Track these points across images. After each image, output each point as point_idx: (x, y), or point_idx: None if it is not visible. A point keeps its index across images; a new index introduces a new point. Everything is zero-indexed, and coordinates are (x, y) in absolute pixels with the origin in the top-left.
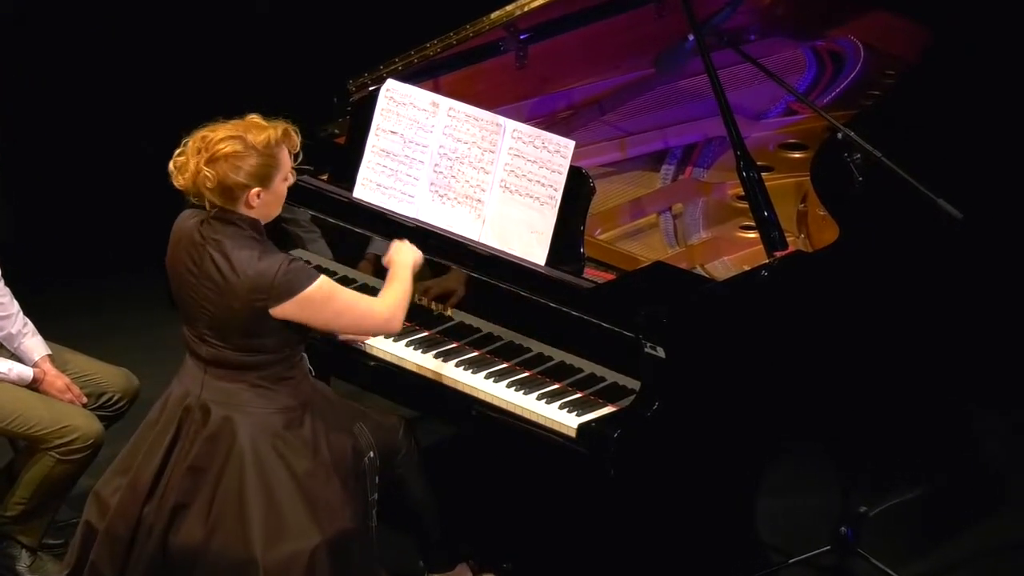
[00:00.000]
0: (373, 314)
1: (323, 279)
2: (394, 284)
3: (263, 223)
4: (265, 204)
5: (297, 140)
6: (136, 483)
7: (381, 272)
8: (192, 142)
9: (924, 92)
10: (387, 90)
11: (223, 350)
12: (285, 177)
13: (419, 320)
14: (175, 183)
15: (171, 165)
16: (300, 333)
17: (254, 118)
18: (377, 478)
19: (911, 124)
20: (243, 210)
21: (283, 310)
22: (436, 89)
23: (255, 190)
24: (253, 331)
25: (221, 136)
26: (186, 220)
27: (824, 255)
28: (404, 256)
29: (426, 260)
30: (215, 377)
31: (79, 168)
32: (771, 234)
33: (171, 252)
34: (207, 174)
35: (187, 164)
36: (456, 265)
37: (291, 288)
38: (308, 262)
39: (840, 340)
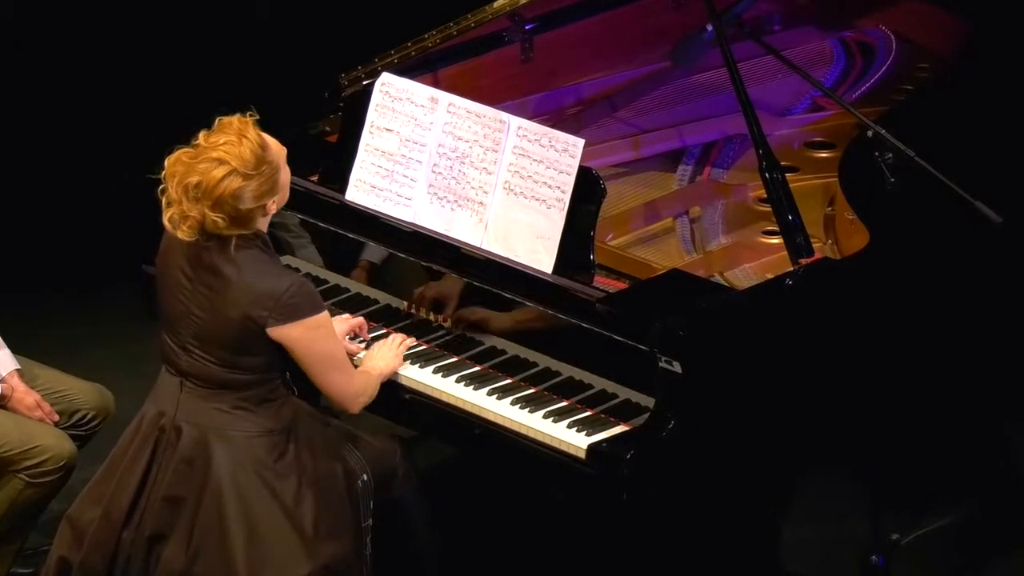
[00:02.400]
0: (351, 381)
1: (327, 312)
2: (365, 376)
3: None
4: (280, 204)
5: (256, 128)
6: (111, 512)
7: (375, 281)
8: (182, 190)
9: (961, 87)
10: (382, 84)
11: (206, 363)
12: (284, 165)
13: (416, 332)
14: (179, 235)
15: (166, 221)
16: (287, 358)
17: (222, 131)
18: (372, 503)
19: (947, 121)
20: (262, 222)
21: (281, 332)
22: (435, 83)
23: (270, 202)
24: (242, 346)
25: (215, 175)
26: None
27: (853, 262)
28: (382, 363)
29: (424, 267)
30: (192, 395)
31: (51, 174)
32: (796, 240)
33: (163, 252)
34: (216, 219)
35: (188, 215)
36: (456, 273)
37: (297, 311)
38: (298, 270)
39: (870, 354)
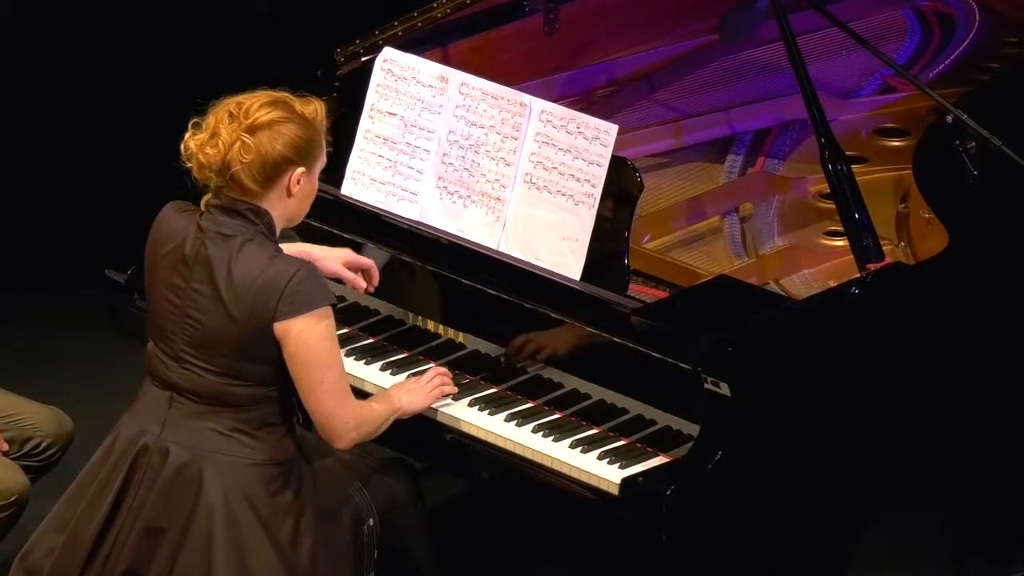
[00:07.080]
0: (345, 406)
1: (331, 309)
2: (368, 410)
3: (288, 226)
4: (303, 195)
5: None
6: (75, 541)
7: (375, 288)
8: (220, 110)
9: None
10: (384, 61)
11: (203, 374)
12: (322, 165)
13: (423, 349)
14: (196, 161)
15: (188, 142)
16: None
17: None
18: (376, 552)
19: None
20: (278, 199)
21: (287, 328)
22: (445, 60)
23: (299, 170)
24: (245, 351)
25: (262, 102)
26: (173, 214)
27: (929, 268)
28: (407, 398)
29: (432, 273)
30: (183, 414)
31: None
32: (864, 242)
33: (151, 251)
34: (245, 143)
35: (217, 134)
36: (470, 280)
37: (305, 300)
38: None
39: (949, 375)
